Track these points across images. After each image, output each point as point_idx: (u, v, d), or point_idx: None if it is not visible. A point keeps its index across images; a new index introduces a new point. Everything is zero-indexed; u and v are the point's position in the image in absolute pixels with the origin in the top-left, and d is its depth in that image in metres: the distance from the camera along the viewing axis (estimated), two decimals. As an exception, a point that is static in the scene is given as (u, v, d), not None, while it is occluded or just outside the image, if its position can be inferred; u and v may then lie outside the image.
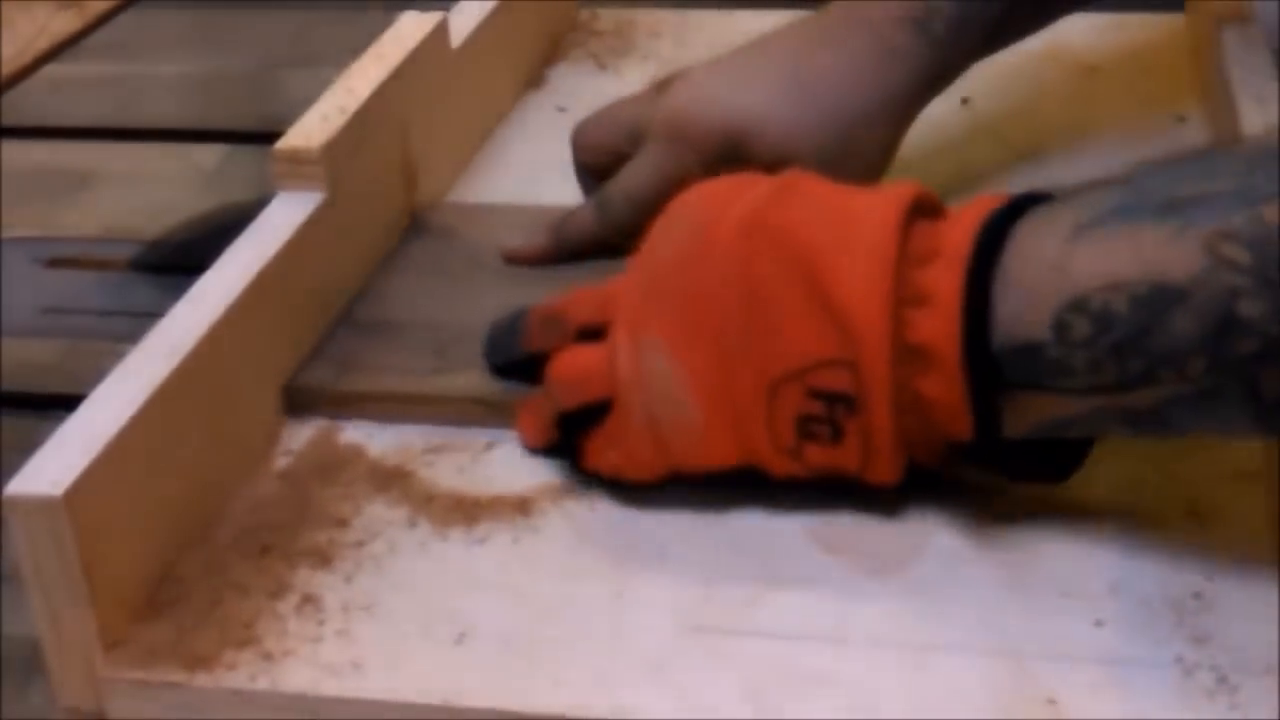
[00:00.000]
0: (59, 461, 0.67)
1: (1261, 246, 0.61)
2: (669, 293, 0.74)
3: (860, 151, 0.88)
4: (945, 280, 0.68)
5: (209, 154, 1.23)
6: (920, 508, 0.74)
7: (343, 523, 0.75)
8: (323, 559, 0.73)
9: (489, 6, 1.09)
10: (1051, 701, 0.64)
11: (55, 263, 1.09)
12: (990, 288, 0.68)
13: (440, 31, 1.00)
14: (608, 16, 1.27)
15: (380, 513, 0.76)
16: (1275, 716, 0.63)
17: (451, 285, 0.91)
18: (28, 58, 1.38)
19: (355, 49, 0.95)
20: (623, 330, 0.75)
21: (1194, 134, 1.03)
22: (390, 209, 0.95)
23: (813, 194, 0.74)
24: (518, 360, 0.81)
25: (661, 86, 0.93)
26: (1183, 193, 0.65)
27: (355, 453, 0.80)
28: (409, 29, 0.98)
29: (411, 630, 0.69)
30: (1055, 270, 0.66)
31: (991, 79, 1.06)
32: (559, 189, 0.98)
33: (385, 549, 0.74)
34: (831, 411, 0.70)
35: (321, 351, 0.85)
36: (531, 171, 1.04)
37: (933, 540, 0.73)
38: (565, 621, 0.70)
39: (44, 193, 1.17)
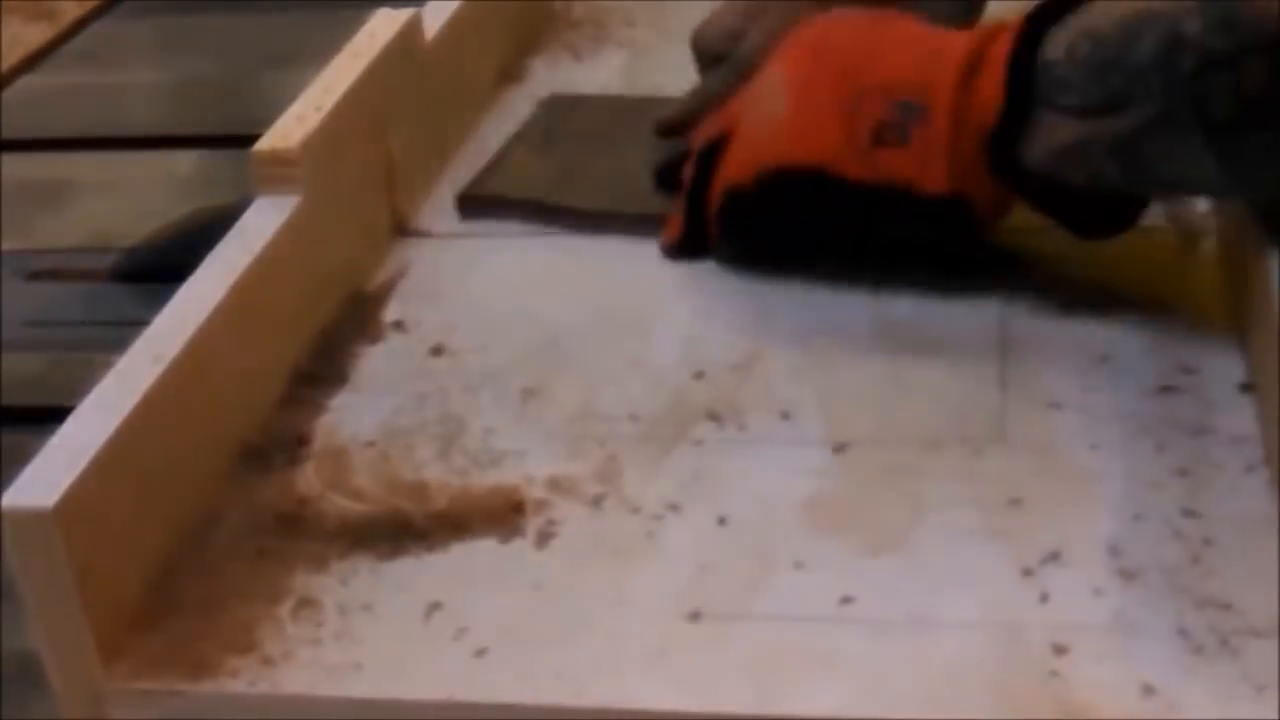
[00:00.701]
0: (49, 474, 0.67)
1: None
2: (796, 44, 0.88)
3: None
4: (1016, 21, 0.81)
5: (185, 160, 1.22)
6: (913, 482, 0.75)
7: (338, 523, 0.75)
8: (319, 561, 0.73)
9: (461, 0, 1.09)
10: (1054, 673, 0.64)
11: (36, 275, 1.09)
12: (1047, 25, 0.80)
13: (414, 27, 1.00)
14: (581, 7, 1.27)
15: (376, 511, 0.76)
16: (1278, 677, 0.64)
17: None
18: (1, 70, 1.38)
19: (328, 50, 0.95)
20: (750, 81, 0.90)
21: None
22: (371, 207, 0.95)
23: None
24: (674, 160, 0.94)
25: None
26: None
27: (350, 452, 0.80)
28: (383, 26, 0.98)
29: (411, 629, 0.69)
30: (1087, 13, 0.78)
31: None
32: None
33: (382, 548, 0.74)
34: (905, 119, 0.83)
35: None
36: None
37: (928, 514, 0.73)
38: (564, 613, 0.70)
39: (22, 205, 1.17)
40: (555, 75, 1.17)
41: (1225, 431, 0.76)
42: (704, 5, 1.14)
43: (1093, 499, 0.73)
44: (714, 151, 0.90)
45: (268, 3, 1.49)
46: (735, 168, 0.88)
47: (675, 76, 1.03)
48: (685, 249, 0.92)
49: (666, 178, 0.95)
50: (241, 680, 0.67)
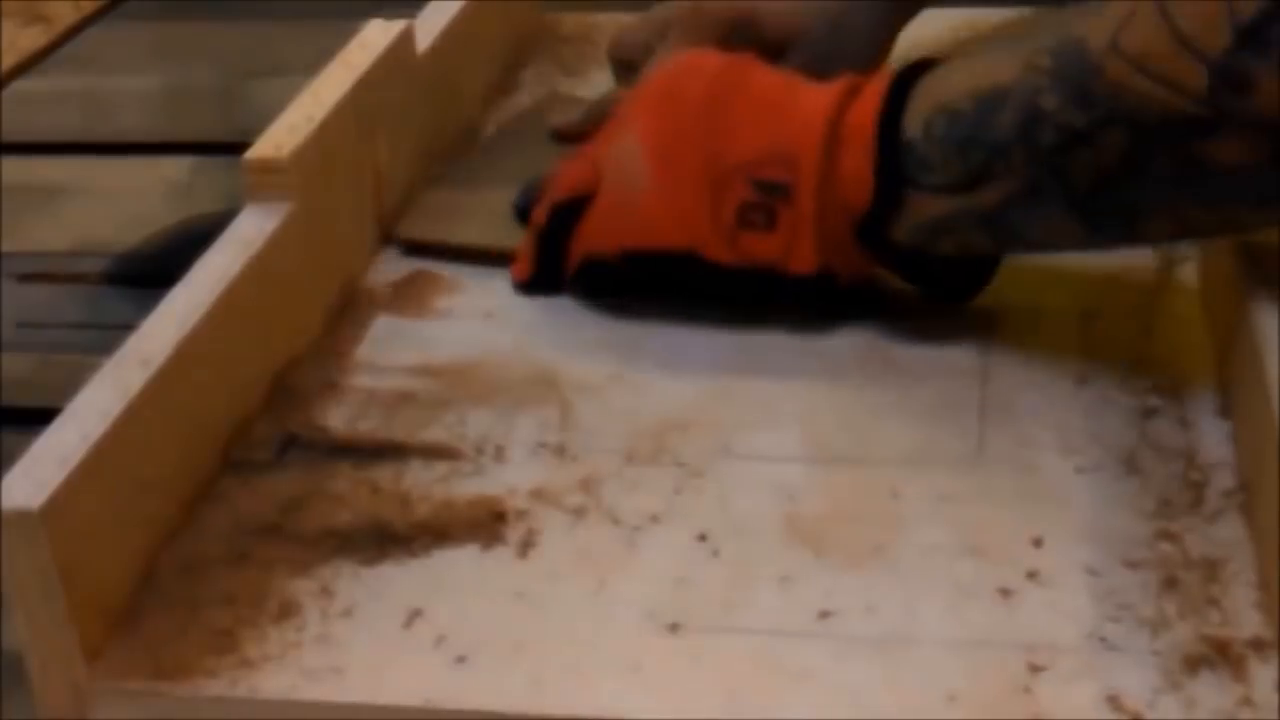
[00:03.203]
0: (35, 475, 0.67)
1: (1060, 53, 0.74)
2: (650, 96, 0.88)
3: (850, 42, 0.98)
4: (877, 86, 0.82)
5: (177, 166, 1.23)
6: (890, 497, 0.75)
7: (321, 528, 0.75)
8: (301, 566, 0.73)
9: (453, 12, 1.10)
10: (1029, 691, 0.65)
11: (28, 278, 1.09)
12: (906, 96, 0.80)
13: (406, 39, 1.00)
14: (570, 21, 1.28)
15: (358, 518, 0.76)
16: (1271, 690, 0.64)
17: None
18: (-6, 74, 1.39)
19: (321, 59, 0.95)
20: (611, 129, 0.89)
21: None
22: (360, 217, 0.95)
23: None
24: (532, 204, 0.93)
25: None
26: (1033, 33, 0.78)
27: (333, 458, 0.80)
28: (374, 37, 0.99)
29: (391, 635, 0.70)
30: (932, 87, 0.80)
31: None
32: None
33: (363, 554, 0.74)
34: (769, 200, 0.83)
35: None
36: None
37: (905, 530, 0.73)
38: (543, 622, 0.70)
39: (13, 208, 1.17)
40: (544, 88, 1.17)
41: (1203, 455, 0.77)
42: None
43: (1070, 519, 0.73)
44: (572, 206, 0.89)
45: (261, 12, 1.49)
46: (596, 237, 0.88)
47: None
48: (536, 287, 0.92)
49: (524, 214, 0.95)
50: (222, 682, 0.67)
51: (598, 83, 1.13)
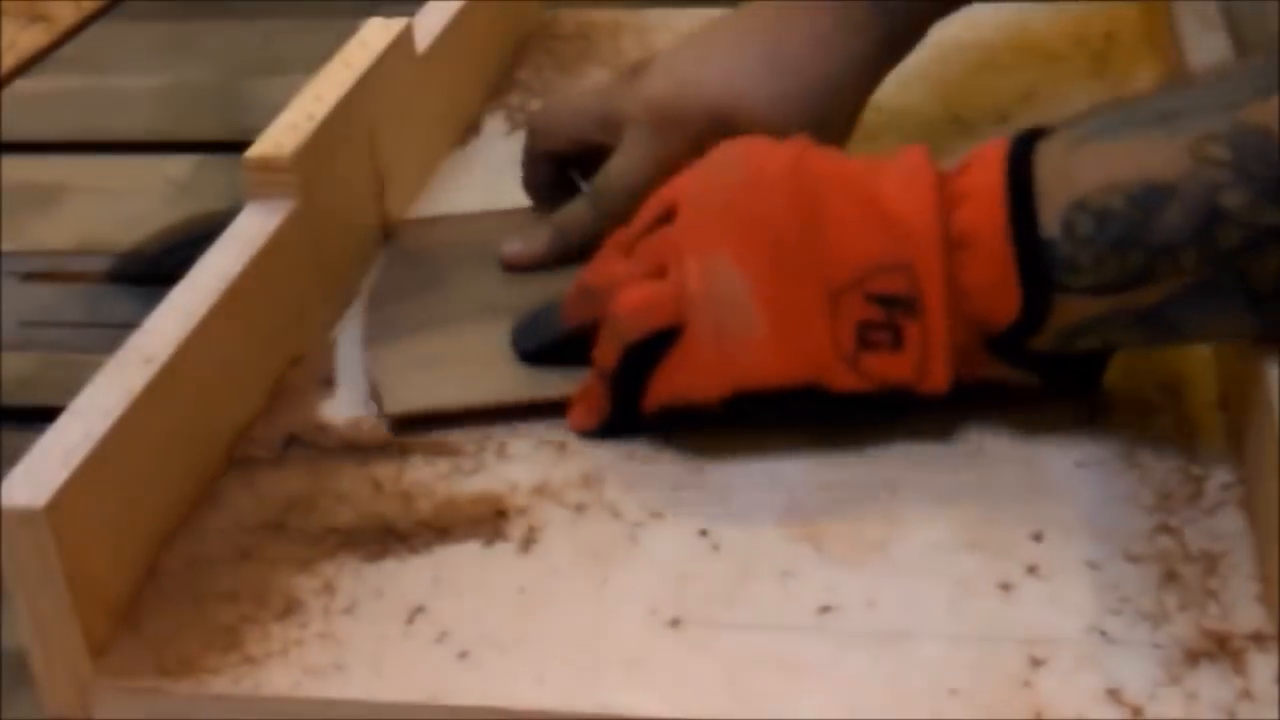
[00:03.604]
0: (39, 473, 0.67)
1: (1240, 144, 0.67)
2: (729, 220, 0.77)
3: (832, 119, 0.92)
4: (982, 179, 0.74)
5: (179, 165, 1.23)
6: (892, 495, 0.75)
7: (323, 526, 0.76)
8: (304, 563, 0.74)
9: (453, 11, 1.10)
10: (1030, 685, 0.65)
11: (31, 277, 1.10)
12: (1030, 186, 0.73)
13: (405, 37, 1.01)
14: (568, 19, 1.28)
15: (360, 515, 0.76)
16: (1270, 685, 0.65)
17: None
18: (-4, 74, 1.39)
19: (321, 58, 0.96)
20: (689, 255, 0.77)
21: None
22: (361, 215, 0.96)
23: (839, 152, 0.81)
24: (553, 342, 0.84)
25: (633, 73, 0.93)
26: (1169, 107, 0.71)
27: (336, 455, 0.80)
28: (374, 36, 0.99)
29: (393, 631, 0.70)
30: (1061, 176, 0.72)
31: (953, 66, 1.07)
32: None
33: (365, 551, 0.74)
34: (890, 316, 0.74)
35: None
36: (501, 175, 1.04)
37: (905, 525, 0.74)
38: (546, 618, 0.70)
39: (15, 208, 1.17)
40: (544, 86, 1.17)
41: (1202, 448, 0.77)
42: (687, 19, 1.15)
43: (1070, 513, 0.74)
44: (648, 344, 0.78)
45: (262, 11, 1.50)
46: (696, 378, 0.77)
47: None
48: (609, 433, 0.80)
49: (539, 358, 0.85)
50: (225, 679, 0.68)
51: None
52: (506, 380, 0.84)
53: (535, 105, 1.13)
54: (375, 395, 0.84)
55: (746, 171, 0.79)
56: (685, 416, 0.78)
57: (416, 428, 0.82)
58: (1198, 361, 0.82)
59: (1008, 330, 0.74)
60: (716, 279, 0.76)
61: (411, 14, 1.05)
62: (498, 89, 1.17)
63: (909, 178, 0.75)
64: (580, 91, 0.96)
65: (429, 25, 1.07)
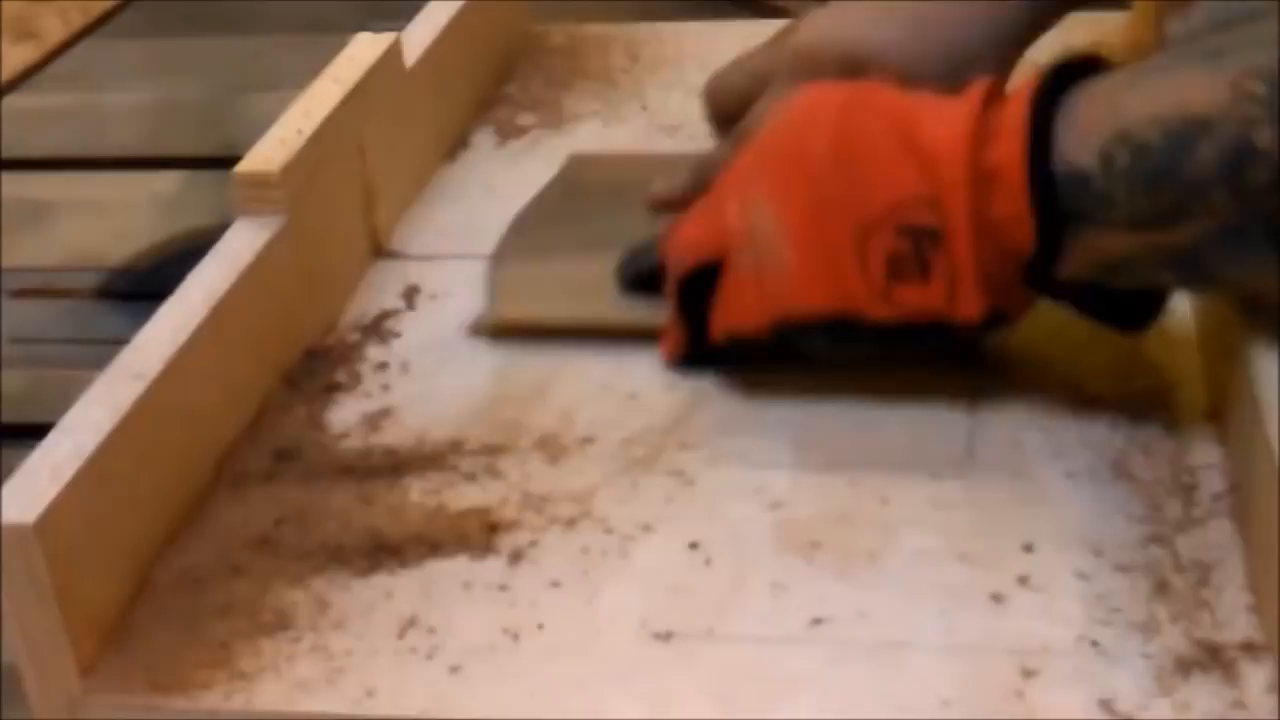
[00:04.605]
0: (29, 489, 0.67)
1: (1275, 81, 0.67)
2: (773, 157, 0.81)
3: (976, 69, 0.89)
4: (1012, 116, 0.74)
5: (168, 181, 1.23)
6: (880, 503, 0.75)
7: (314, 540, 0.76)
8: (295, 577, 0.73)
9: (442, 26, 1.10)
10: (1020, 694, 0.65)
11: (21, 293, 1.10)
12: (1052, 121, 0.73)
13: (394, 52, 1.01)
14: (558, 33, 1.28)
15: (351, 529, 0.76)
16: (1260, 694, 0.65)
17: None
18: (-15, 91, 1.39)
19: (310, 74, 0.96)
20: (731, 193, 0.82)
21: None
22: (350, 230, 0.96)
23: (904, 90, 0.81)
24: (649, 273, 0.88)
25: (786, 32, 0.95)
26: (1224, 44, 0.71)
27: (326, 469, 0.80)
28: (363, 51, 0.99)
29: (385, 645, 0.70)
30: (1107, 107, 0.72)
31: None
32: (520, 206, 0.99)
33: (356, 565, 0.74)
34: (918, 247, 0.76)
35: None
36: (492, 188, 1.04)
37: (896, 536, 0.74)
38: (537, 631, 0.70)
39: (5, 224, 1.17)
40: (533, 100, 1.17)
41: (1192, 459, 0.77)
42: (678, 34, 1.15)
43: (1061, 524, 0.74)
44: (699, 276, 0.83)
45: (250, 28, 1.50)
46: (740, 313, 0.82)
47: (651, 98, 1.03)
48: (690, 364, 0.86)
49: (637, 286, 0.90)
50: (217, 694, 0.68)
51: (587, 96, 1.13)
52: (606, 306, 0.90)
53: (524, 119, 1.13)
54: (487, 303, 0.91)
55: (799, 113, 0.82)
56: (748, 351, 0.83)
57: (515, 337, 0.89)
58: (1187, 369, 0.82)
59: (1029, 262, 0.75)
60: (752, 215, 0.80)
61: (400, 29, 1.05)
62: (487, 103, 1.17)
63: (952, 112, 0.77)
64: (747, 54, 0.97)
65: (418, 40, 1.07)
